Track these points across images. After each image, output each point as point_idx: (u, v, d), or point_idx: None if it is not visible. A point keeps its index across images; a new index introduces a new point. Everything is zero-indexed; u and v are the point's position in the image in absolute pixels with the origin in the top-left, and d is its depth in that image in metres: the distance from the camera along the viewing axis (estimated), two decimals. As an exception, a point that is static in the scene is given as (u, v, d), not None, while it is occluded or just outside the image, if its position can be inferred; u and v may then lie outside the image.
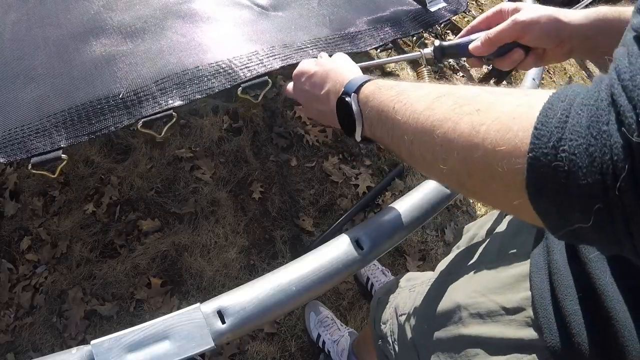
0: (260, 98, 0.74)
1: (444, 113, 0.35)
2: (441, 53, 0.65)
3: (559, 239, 0.30)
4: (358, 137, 0.50)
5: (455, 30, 2.85)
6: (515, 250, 0.54)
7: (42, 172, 0.61)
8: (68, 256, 1.37)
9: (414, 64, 2.48)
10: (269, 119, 1.87)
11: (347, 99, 0.49)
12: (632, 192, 0.23)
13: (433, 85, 0.41)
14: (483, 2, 2.74)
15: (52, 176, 0.62)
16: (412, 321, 0.68)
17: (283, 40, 0.82)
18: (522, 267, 0.50)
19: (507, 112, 0.29)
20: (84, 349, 0.37)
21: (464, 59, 0.67)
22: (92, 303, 1.30)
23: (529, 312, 0.46)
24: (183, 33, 0.80)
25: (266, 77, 0.74)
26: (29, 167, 0.59)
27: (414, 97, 0.40)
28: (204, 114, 1.80)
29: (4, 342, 1.21)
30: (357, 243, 0.50)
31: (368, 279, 1.48)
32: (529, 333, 0.46)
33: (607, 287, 0.37)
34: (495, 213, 0.72)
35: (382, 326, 0.77)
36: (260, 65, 0.76)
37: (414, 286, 0.74)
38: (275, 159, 1.74)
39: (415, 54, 0.66)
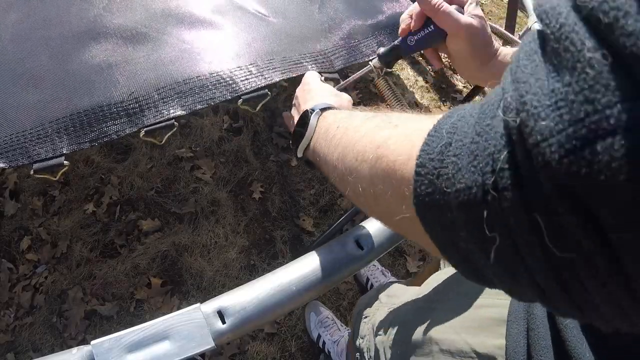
0: (258, 108, 0.75)
1: (367, 131, 0.35)
2: (385, 59, 0.64)
3: (463, 275, 0.27)
4: (299, 153, 0.51)
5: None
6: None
7: (44, 176, 0.61)
8: (68, 256, 1.37)
9: (414, 63, 2.48)
10: (269, 119, 1.87)
11: (310, 114, 0.50)
12: (512, 191, 0.18)
13: (381, 112, 0.40)
14: (483, 2, 2.74)
15: (54, 179, 0.62)
16: (387, 343, 0.67)
17: (282, 53, 0.82)
18: (501, 310, 0.48)
19: (418, 127, 0.28)
20: (84, 349, 0.37)
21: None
22: (92, 303, 1.30)
23: None
24: (184, 40, 0.80)
25: (266, 90, 0.75)
26: (32, 172, 0.60)
27: (355, 120, 0.40)
28: (204, 113, 1.80)
29: (4, 342, 1.21)
30: (357, 243, 0.50)
31: (368, 279, 1.48)
32: None
33: (584, 357, 0.35)
34: None
35: (360, 340, 0.76)
36: (260, 77, 0.76)
37: (393, 305, 0.73)
38: (275, 158, 1.74)
39: (366, 68, 0.67)
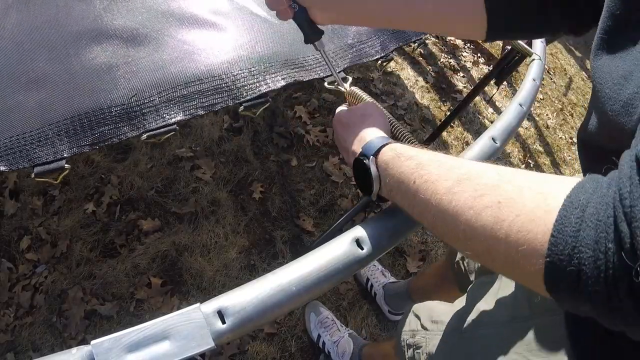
0: (258, 113, 0.74)
1: (466, 201, 0.36)
2: (309, 37, 0.65)
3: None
4: (374, 198, 0.52)
5: (456, 30, 2.84)
6: (549, 305, 0.55)
7: (44, 180, 0.61)
8: (68, 256, 1.37)
9: (414, 63, 2.48)
10: (269, 119, 1.87)
11: (365, 161, 0.50)
12: (630, 301, 0.27)
13: (449, 161, 0.42)
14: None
15: (55, 182, 0.62)
16: None
17: (285, 55, 0.81)
18: (558, 330, 0.51)
19: (527, 212, 0.32)
20: (84, 349, 0.37)
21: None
22: (92, 303, 1.30)
23: None
24: (186, 42, 0.79)
25: (267, 97, 0.74)
26: (32, 176, 0.59)
27: (435, 176, 0.41)
28: (205, 113, 1.80)
29: (3, 341, 1.21)
30: (357, 243, 0.50)
31: (368, 279, 1.48)
32: None
33: None
34: None
35: None
36: (262, 83, 0.76)
37: (441, 331, 0.73)
38: (275, 158, 1.74)
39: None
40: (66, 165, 0.61)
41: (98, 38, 0.76)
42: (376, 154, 0.49)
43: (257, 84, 0.75)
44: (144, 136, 0.66)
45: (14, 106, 0.65)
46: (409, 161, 0.45)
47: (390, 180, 0.47)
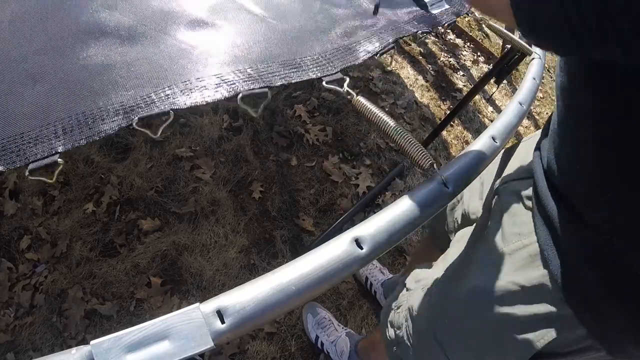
0: (260, 111, 0.73)
1: None
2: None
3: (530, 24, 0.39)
4: None
5: (456, 29, 2.84)
6: (518, 230, 0.57)
7: (40, 179, 0.61)
8: (68, 255, 1.37)
9: (414, 62, 2.48)
10: (269, 118, 1.87)
11: None
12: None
13: None
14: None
15: (50, 181, 0.62)
16: (431, 319, 0.69)
17: (282, 56, 0.81)
18: (532, 247, 0.53)
19: None
20: (84, 349, 0.37)
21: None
22: (92, 302, 1.30)
23: (549, 286, 0.49)
24: (183, 40, 0.79)
25: (265, 89, 0.73)
26: (26, 173, 0.59)
27: None
28: (204, 112, 1.80)
29: (3, 341, 1.21)
30: (357, 243, 0.49)
31: (367, 278, 1.48)
32: (549, 308, 0.49)
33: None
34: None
35: (397, 331, 0.77)
36: (259, 80, 0.75)
37: (425, 286, 0.74)
38: (275, 158, 1.74)
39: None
40: (59, 160, 0.61)
41: (94, 35, 0.76)
42: None
43: (255, 81, 0.75)
44: (135, 119, 0.65)
45: (14, 107, 0.65)
46: None
47: None
